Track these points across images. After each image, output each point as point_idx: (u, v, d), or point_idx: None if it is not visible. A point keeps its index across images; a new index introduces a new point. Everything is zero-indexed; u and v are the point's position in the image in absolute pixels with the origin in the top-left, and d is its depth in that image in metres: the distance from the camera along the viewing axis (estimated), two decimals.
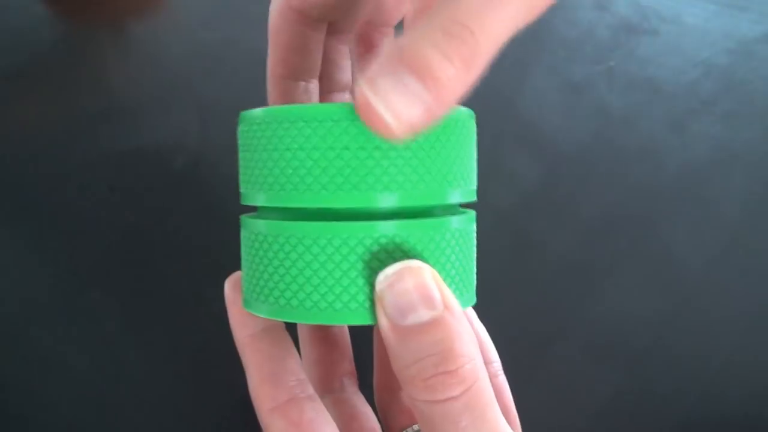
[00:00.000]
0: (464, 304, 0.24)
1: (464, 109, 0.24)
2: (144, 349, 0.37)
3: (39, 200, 0.40)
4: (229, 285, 0.26)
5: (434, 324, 0.20)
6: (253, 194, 0.23)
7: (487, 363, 0.30)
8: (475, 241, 0.25)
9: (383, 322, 0.21)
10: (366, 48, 0.30)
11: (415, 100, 0.19)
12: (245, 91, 0.43)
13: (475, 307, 0.31)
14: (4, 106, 0.43)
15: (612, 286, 0.41)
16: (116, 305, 0.37)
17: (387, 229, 0.21)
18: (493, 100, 0.43)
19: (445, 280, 0.22)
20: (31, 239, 0.39)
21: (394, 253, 0.21)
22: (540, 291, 0.40)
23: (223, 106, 0.43)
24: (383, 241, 0.21)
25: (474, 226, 0.25)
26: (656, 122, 0.47)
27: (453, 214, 0.24)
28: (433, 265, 0.22)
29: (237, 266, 0.26)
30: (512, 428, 0.22)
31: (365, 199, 0.21)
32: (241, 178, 0.24)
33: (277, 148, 0.22)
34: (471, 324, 0.31)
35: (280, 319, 0.23)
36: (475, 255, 0.25)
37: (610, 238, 0.42)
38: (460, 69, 0.19)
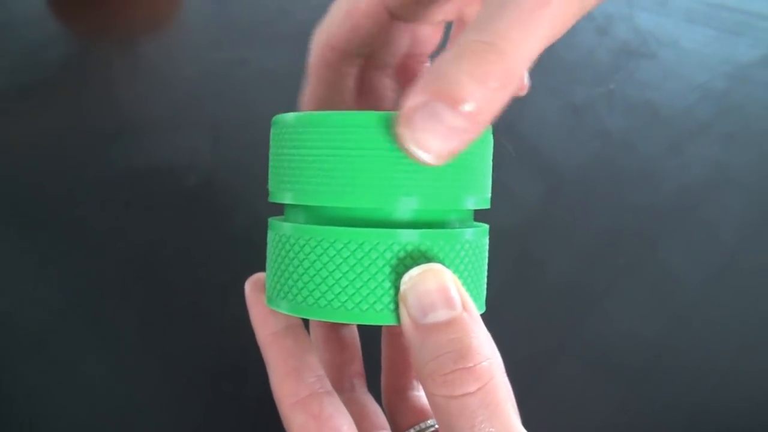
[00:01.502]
0: None
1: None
2: (159, 360, 0.37)
3: (58, 214, 0.41)
4: (249, 286, 0.27)
5: (453, 323, 0.21)
6: (280, 193, 0.24)
7: None
8: (486, 254, 0.26)
9: (406, 321, 0.22)
10: (407, 79, 0.31)
11: (450, 132, 0.20)
12: (256, 111, 0.44)
13: None
14: (20, 123, 0.44)
15: (611, 305, 0.42)
16: (132, 317, 0.38)
17: (411, 236, 0.23)
18: (495, 122, 0.44)
19: None
20: (51, 252, 0.40)
21: (419, 259, 0.23)
22: (540, 309, 0.41)
23: (233, 125, 0.44)
24: (409, 248, 0.23)
25: (486, 240, 0.26)
26: (655, 144, 0.48)
27: (468, 226, 0.25)
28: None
29: (249, 278, 0.27)
30: None
31: (386, 201, 0.23)
32: (270, 177, 0.25)
33: (306, 150, 0.23)
34: None
35: (306, 317, 0.24)
36: (486, 266, 0.26)
37: (609, 257, 0.43)
38: (493, 90, 0.20)
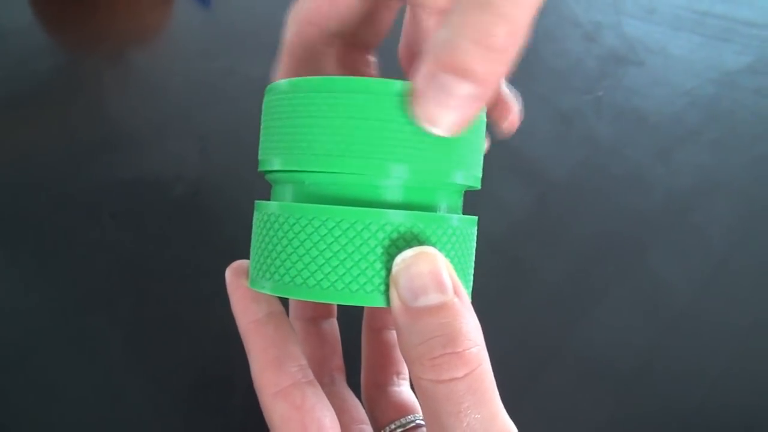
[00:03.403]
0: None
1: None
2: (145, 374, 0.37)
3: (42, 226, 0.40)
4: (230, 272, 0.26)
5: (444, 307, 0.21)
6: (269, 159, 0.24)
7: None
8: (474, 244, 0.26)
9: (396, 303, 0.22)
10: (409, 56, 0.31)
11: (462, 103, 0.21)
12: (244, 121, 0.44)
13: None
14: (6, 134, 0.44)
15: (601, 312, 0.42)
16: (117, 330, 0.38)
17: (404, 218, 0.22)
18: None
19: None
20: (34, 265, 0.39)
21: (411, 241, 0.22)
22: (530, 317, 0.41)
23: (221, 134, 0.44)
24: (402, 229, 0.22)
25: (475, 230, 0.26)
26: (643, 151, 0.48)
27: (457, 214, 0.25)
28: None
29: (231, 264, 0.27)
30: None
31: (376, 168, 0.22)
32: (261, 146, 0.25)
33: (297, 115, 0.23)
34: None
35: (292, 297, 0.24)
36: (473, 256, 0.26)
37: (599, 264, 0.43)
38: (500, 53, 0.20)
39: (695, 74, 0.53)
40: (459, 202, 0.26)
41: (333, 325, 0.32)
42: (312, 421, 0.24)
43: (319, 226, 0.22)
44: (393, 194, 0.23)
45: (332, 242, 0.22)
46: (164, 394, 0.37)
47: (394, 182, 0.23)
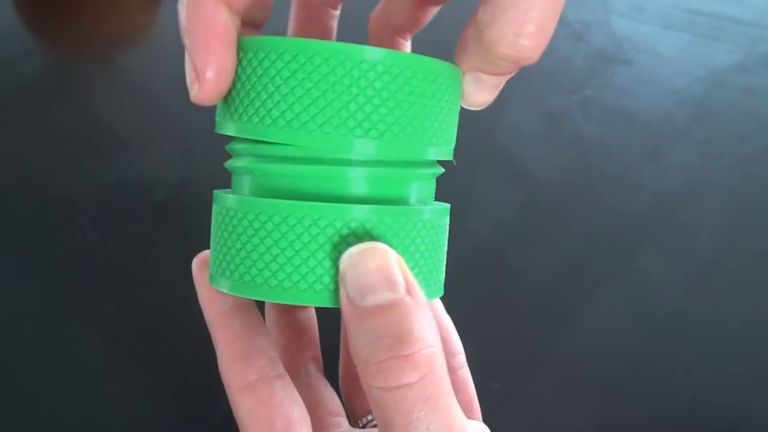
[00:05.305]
0: (431, 295, 0.24)
1: (451, 66, 0.23)
2: (125, 381, 0.37)
3: (21, 232, 0.40)
4: (196, 263, 0.26)
5: (393, 306, 0.20)
6: (224, 123, 0.23)
7: (451, 355, 0.30)
8: (446, 235, 0.25)
9: (344, 303, 0.21)
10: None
11: (495, 88, 0.24)
12: None
13: None
14: None
15: (590, 312, 0.41)
16: (97, 337, 0.37)
17: (359, 213, 0.21)
18: (471, 129, 0.44)
19: (413, 269, 0.22)
20: (13, 270, 0.39)
21: (363, 237, 0.21)
22: (518, 318, 0.41)
23: (205, 137, 0.44)
24: (353, 224, 0.21)
25: (446, 220, 0.25)
26: (632, 151, 0.48)
27: (426, 204, 0.24)
28: (401, 253, 0.22)
29: (197, 255, 0.26)
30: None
31: (340, 143, 0.21)
32: (219, 106, 0.23)
33: (257, 79, 0.21)
34: (437, 314, 0.31)
35: (243, 296, 0.23)
36: (445, 248, 0.25)
37: (587, 265, 0.43)
38: (536, 37, 0.21)
39: (684, 73, 0.52)
40: (431, 189, 0.25)
41: (310, 314, 0.31)
42: (279, 416, 0.23)
43: (266, 222, 0.21)
44: (357, 187, 0.22)
45: (279, 238, 0.21)
46: (145, 402, 0.36)
47: (357, 172, 0.22)
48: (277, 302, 0.22)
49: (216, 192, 0.24)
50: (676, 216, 0.45)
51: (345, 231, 0.21)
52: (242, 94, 0.22)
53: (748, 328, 0.42)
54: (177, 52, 0.51)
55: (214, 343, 0.25)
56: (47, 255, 0.39)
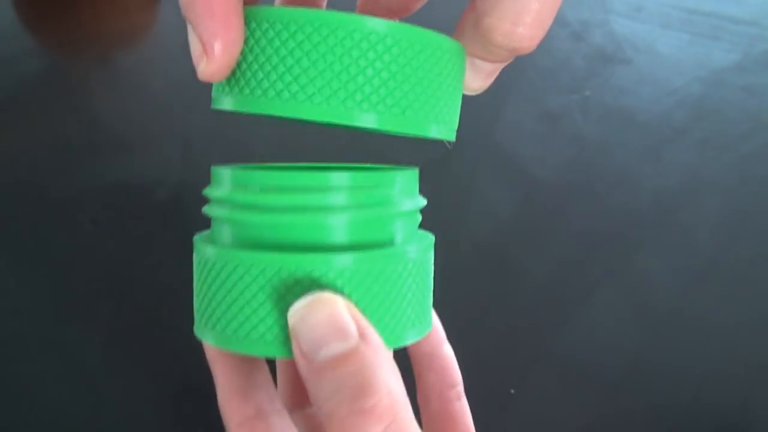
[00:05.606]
0: (422, 332, 0.23)
1: (455, 42, 0.23)
2: (125, 383, 0.37)
3: (21, 232, 0.40)
4: None
5: (348, 356, 0.19)
6: (221, 97, 0.22)
7: (449, 386, 0.31)
8: (432, 266, 0.24)
9: (298, 357, 0.20)
10: None
11: (491, 75, 0.24)
12: (228, 123, 0.44)
13: (452, 335, 0.31)
14: None
15: (589, 311, 0.42)
16: (97, 338, 0.38)
17: (341, 262, 0.21)
18: (471, 129, 0.44)
19: (403, 309, 0.22)
20: (13, 270, 0.39)
21: (311, 287, 0.21)
22: (518, 318, 0.41)
23: (205, 137, 0.44)
24: (299, 274, 0.21)
25: (432, 253, 0.24)
26: (631, 150, 0.48)
27: (411, 241, 0.23)
28: (387, 296, 0.21)
29: None
30: None
31: (346, 116, 0.20)
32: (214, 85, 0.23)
33: (261, 50, 0.20)
34: (437, 345, 0.31)
35: (207, 343, 0.23)
36: (432, 280, 0.24)
37: (586, 263, 0.43)
38: (533, 26, 0.21)
39: (683, 72, 0.53)
40: (416, 223, 0.24)
41: None
42: None
43: (220, 271, 0.21)
44: (338, 234, 0.21)
45: (231, 288, 0.21)
46: (145, 404, 0.36)
47: (338, 220, 0.21)
48: (231, 351, 0.22)
49: (195, 239, 0.24)
50: (675, 215, 0.45)
51: (290, 280, 0.21)
52: (243, 66, 0.21)
53: (747, 327, 0.42)
54: (177, 51, 0.52)
55: (214, 378, 0.25)
56: (47, 255, 0.39)
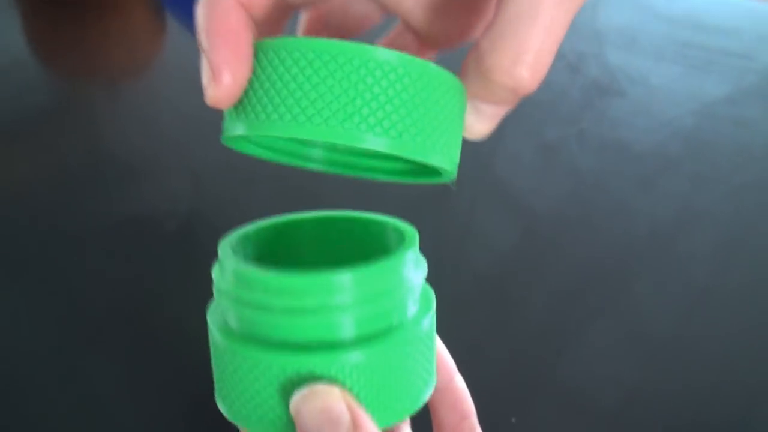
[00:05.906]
0: (429, 392, 0.25)
1: (457, 80, 0.24)
2: (138, 411, 0.37)
3: (31, 264, 0.41)
4: None
5: None
6: (233, 125, 0.22)
7: (461, 417, 0.31)
8: (434, 327, 0.25)
9: None
10: None
11: (494, 118, 0.24)
12: (236, 154, 0.44)
13: None
14: (1, 167, 0.44)
15: (587, 342, 0.42)
16: (111, 368, 0.38)
17: (350, 359, 0.22)
18: (469, 162, 0.45)
19: (416, 375, 0.23)
20: (26, 302, 0.40)
21: (308, 380, 0.22)
22: (518, 347, 0.42)
23: (215, 168, 0.45)
24: (303, 372, 0.22)
25: (434, 314, 0.25)
26: (626, 181, 0.49)
27: (425, 310, 0.25)
28: (394, 371, 0.22)
29: None
30: None
31: (350, 136, 0.21)
32: (226, 112, 0.23)
33: (268, 77, 0.21)
34: (446, 374, 0.32)
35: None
36: (434, 340, 0.26)
37: (585, 294, 0.44)
38: (535, 67, 0.22)
39: (676, 104, 0.54)
40: (421, 286, 0.25)
41: None
42: None
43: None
44: (346, 329, 0.22)
45: (238, 380, 0.23)
46: (157, 431, 0.37)
47: (345, 318, 0.22)
48: None
49: (208, 314, 0.25)
50: (671, 245, 0.46)
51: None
52: (260, 93, 0.22)
53: (744, 356, 0.43)
54: (184, 81, 0.52)
55: None
56: (58, 287, 0.40)
